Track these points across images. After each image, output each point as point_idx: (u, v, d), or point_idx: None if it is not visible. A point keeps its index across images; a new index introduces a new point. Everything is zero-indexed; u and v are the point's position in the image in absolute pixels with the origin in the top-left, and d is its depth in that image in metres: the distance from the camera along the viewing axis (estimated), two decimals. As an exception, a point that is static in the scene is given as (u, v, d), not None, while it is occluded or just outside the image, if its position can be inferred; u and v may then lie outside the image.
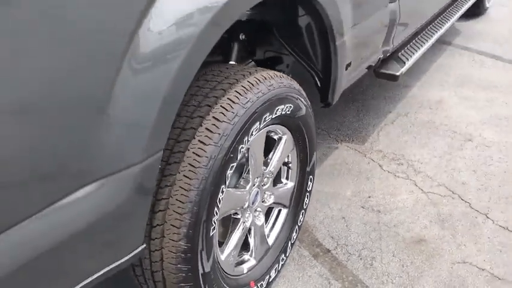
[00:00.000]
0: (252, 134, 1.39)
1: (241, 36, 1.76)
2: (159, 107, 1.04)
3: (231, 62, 1.74)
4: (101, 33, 0.93)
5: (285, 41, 1.84)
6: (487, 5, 4.63)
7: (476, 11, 4.48)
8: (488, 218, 2.11)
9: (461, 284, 1.78)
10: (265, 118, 1.42)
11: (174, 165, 1.23)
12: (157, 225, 1.24)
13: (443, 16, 3.28)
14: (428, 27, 3.02)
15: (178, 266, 1.28)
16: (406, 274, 1.83)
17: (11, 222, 0.88)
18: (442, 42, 3.99)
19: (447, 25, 3.18)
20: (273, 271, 1.74)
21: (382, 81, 2.89)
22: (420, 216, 2.13)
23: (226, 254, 1.53)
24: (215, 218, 1.35)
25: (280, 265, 1.78)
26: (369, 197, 2.25)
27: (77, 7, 0.88)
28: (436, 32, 3.01)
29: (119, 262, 1.13)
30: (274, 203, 1.72)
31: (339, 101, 2.12)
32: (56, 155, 0.92)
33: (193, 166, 1.23)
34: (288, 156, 1.73)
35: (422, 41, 2.83)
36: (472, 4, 3.92)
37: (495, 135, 2.70)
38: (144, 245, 1.18)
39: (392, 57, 2.54)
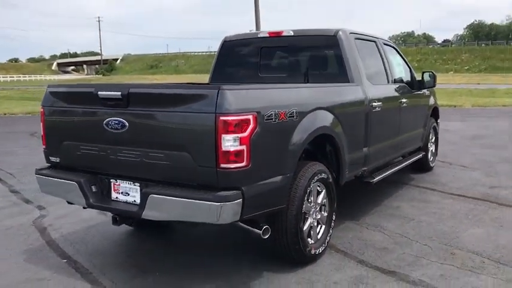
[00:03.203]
0: (312, 183, 3.91)
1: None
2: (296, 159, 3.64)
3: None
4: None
5: (321, 157, 4.43)
6: (431, 164, 7.43)
7: (425, 168, 7.26)
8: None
9: (402, 257, 4.11)
10: (315, 177, 3.94)
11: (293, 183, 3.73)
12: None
13: (397, 161, 6.02)
14: (389, 165, 5.71)
15: (293, 222, 3.69)
16: (376, 253, 4.15)
17: (272, 176, 3.41)
18: (403, 182, 6.65)
19: (399, 167, 5.89)
20: (319, 250, 4.07)
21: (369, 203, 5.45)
22: (389, 243, 4.49)
23: (304, 228, 3.91)
24: (303, 208, 3.80)
25: (322, 249, 4.11)
26: (365, 241, 4.63)
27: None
28: (392, 169, 5.69)
29: (277, 208, 3.56)
30: (318, 219, 4.13)
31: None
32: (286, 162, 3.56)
33: (297, 185, 3.73)
34: (324, 200, 4.20)
35: (385, 171, 5.47)
36: (419, 162, 6.75)
37: (428, 218, 5.15)
38: (285, 205, 3.63)
39: (369, 174, 5.14)
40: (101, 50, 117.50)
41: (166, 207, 3.30)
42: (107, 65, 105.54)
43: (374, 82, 5.16)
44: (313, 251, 3.97)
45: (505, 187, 6.39)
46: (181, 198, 3.21)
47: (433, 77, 6.40)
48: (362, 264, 4.01)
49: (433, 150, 7.58)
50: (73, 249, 4.45)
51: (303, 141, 3.74)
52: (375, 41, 5.67)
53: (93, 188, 3.72)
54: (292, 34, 5.18)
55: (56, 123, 3.94)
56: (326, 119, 4.11)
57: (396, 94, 5.73)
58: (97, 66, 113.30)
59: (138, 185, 3.57)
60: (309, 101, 3.95)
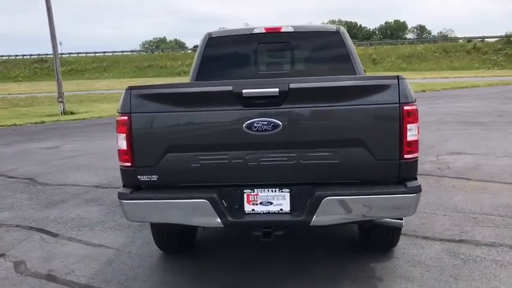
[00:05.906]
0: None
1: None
2: None
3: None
4: None
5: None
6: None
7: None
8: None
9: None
10: None
11: None
12: None
13: None
14: None
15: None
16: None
17: None
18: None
19: None
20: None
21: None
22: (423, 220, 4.90)
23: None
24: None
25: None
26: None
27: None
28: None
29: None
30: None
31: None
32: None
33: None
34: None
35: None
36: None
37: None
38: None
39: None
40: None
41: (346, 208, 3.05)
42: None
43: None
44: (397, 235, 4.14)
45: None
46: (370, 196, 3.03)
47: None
48: (441, 241, 4.31)
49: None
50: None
51: None
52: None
53: (224, 203, 3.15)
54: (292, 30, 5.13)
55: (155, 132, 3.15)
56: None
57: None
58: None
59: (288, 191, 3.18)
60: None
